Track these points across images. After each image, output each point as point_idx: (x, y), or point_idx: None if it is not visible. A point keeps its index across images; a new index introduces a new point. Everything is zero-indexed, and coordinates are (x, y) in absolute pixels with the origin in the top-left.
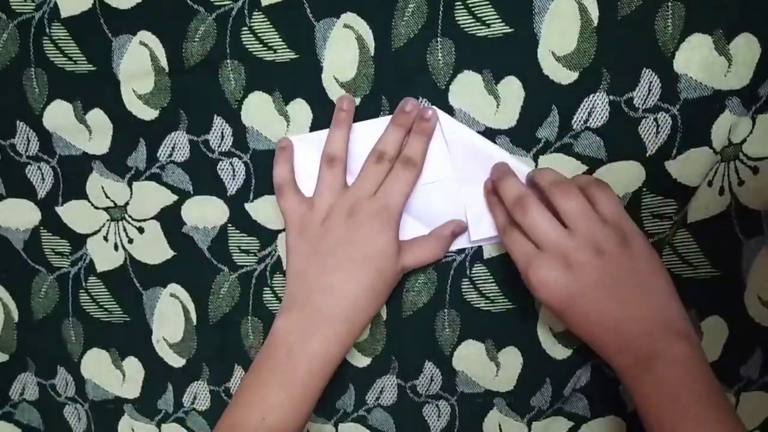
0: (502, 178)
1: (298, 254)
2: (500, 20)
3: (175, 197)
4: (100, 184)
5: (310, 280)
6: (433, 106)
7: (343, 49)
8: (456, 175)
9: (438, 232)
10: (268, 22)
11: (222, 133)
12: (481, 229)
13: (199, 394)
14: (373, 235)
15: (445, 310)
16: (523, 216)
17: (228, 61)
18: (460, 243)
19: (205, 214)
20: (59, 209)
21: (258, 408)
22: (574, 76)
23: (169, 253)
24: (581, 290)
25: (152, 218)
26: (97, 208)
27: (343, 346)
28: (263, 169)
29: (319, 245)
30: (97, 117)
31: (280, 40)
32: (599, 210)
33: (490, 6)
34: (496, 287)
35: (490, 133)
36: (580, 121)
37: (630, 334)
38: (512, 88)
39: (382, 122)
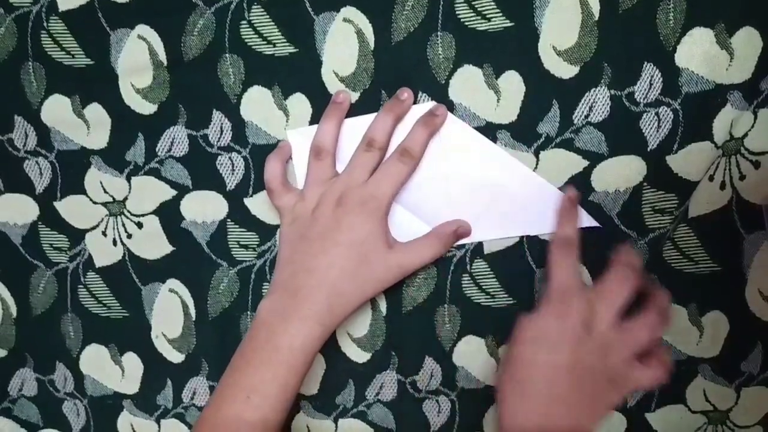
0: (630, 254)
1: (287, 242)
2: (501, 14)
3: (173, 192)
4: (98, 179)
5: (295, 264)
6: (442, 105)
7: (342, 43)
8: (455, 172)
9: (439, 230)
10: (267, 16)
11: (221, 127)
12: (479, 228)
13: (198, 390)
14: (358, 223)
15: (446, 305)
16: (559, 249)
17: (227, 55)
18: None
19: (204, 209)
20: (57, 204)
21: (242, 387)
22: (575, 70)
23: (168, 249)
24: (579, 354)
25: (151, 213)
26: (95, 203)
27: (324, 327)
28: (262, 164)
29: (307, 232)
30: (96, 111)
31: (280, 34)
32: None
33: (490, 0)
34: (497, 282)
35: (490, 128)
36: (581, 115)
37: (559, 425)
38: (513, 83)
39: (343, 124)
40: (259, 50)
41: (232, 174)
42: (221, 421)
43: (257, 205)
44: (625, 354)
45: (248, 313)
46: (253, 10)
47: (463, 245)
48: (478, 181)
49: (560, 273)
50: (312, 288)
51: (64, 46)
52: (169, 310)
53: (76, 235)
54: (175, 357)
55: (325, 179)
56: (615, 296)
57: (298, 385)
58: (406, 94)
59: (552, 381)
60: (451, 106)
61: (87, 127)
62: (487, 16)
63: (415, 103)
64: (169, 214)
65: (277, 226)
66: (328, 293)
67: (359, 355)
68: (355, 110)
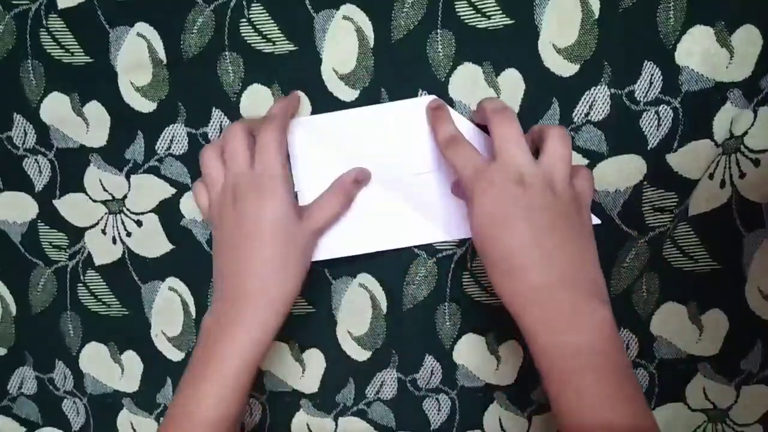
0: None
1: (214, 250)
2: (501, 12)
3: (173, 190)
4: (97, 177)
5: (224, 271)
6: (433, 96)
7: (342, 41)
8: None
9: (340, 182)
10: (267, 14)
11: (221, 125)
12: None
13: None
14: (260, 208)
15: (446, 303)
16: (502, 120)
17: (226, 53)
18: (456, 234)
19: None
20: (57, 202)
21: (193, 398)
22: (575, 68)
23: (168, 247)
24: (526, 207)
25: (150, 211)
26: (95, 201)
27: (266, 331)
28: None
29: (222, 237)
30: (95, 109)
31: (279, 31)
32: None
33: None
34: None
35: None
36: (581, 114)
37: (558, 276)
38: (513, 81)
39: (341, 116)
40: (258, 48)
41: None
42: None
43: None
44: (565, 174)
45: None
46: (252, 8)
47: (464, 242)
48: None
49: (463, 159)
50: (242, 291)
51: (63, 43)
52: (168, 308)
53: (76, 233)
54: (175, 355)
55: (217, 179)
56: (516, 142)
57: (249, 388)
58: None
59: (535, 236)
60: (451, 104)
61: (86, 125)
62: (487, 13)
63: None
64: (168, 212)
65: None
66: (260, 291)
67: (359, 353)
68: (354, 107)
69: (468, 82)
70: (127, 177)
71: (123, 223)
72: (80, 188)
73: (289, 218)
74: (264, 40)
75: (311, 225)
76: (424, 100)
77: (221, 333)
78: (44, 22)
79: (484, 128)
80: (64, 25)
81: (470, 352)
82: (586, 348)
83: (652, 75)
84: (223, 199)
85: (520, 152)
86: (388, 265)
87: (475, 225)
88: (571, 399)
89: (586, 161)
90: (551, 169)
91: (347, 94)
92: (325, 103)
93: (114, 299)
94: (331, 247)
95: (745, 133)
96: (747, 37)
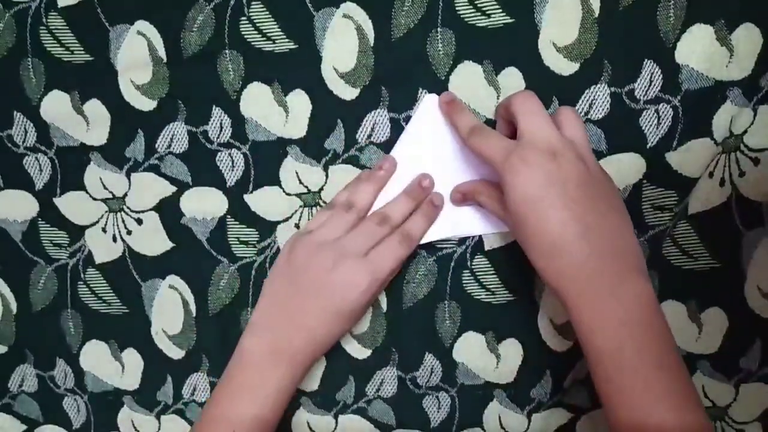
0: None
1: (278, 277)
2: (501, 10)
3: (173, 188)
4: (98, 175)
5: (286, 310)
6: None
7: (342, 39)
8: (457, 165)
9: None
10: (267, 12)
11: (221, 123)
12: (483, 222)
13: (198, 386)
14: (351, 294)
15: (446, 301)
16: (524, 98)
17: (227, 51)
18: (457, 232)
19: (203, 205)
20: (57, 200)
21: (227, 422)
22: (575, 67)
23: (168, 245)
24: (562, 182)
25: (151, 209)
26: (95, 199)
27: (305, 374)
28: (262, 160)
29: (299, 278)
30: (95, 108)
31: (279, 30)
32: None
33: None
34: (497, 279)
35: (491, 124)
36: (581, 112)
37: (600, 249)
38: (513, 79)
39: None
40: (258, 46)
41: (232, 170)
42: None
43: (257, 201)
44: (589, 143)
45: (248, 309)
46: (252, 6)
47: (464, 241)
48: (487, 176)
49: (489, 144)
50: (302, 344)
51: (63, 41)
52: (169, 306)
53: (76, 232)
54: (175, 353)
55: (339, 233)
56: (542, 115)
57: (279, 420)
58: (427, 182)
59: (568, 206)
60: None
61: (86, 124)
62: (487, 12)
63: (415, 100)
64: (168, 211)
65: (278, 223)
66: (315, 350)
67: (360, 352)
68: (354, 106)
69: (468, 80)
70: (128, 175)
71: (123, 221)
72: (80, 186)
73: (364, 308)
74: (264, 39)
75: (373, 296)
76: (430, 99)
77: (270, 368)
78: (44, 20)
79: None
80: (64, 23)
81: (470, 351)
82: (629, 321)
83: (652, 73)
84: (322, 255)
85: (547, 124)
86: None
87: (512, 208)
88: (614, 377)
89: None
90: (576, 139)
91: (347, 92)
92: (325, 101)
93: (114, 297)
94: None
95: (745, 131)
96: (747, 36)
